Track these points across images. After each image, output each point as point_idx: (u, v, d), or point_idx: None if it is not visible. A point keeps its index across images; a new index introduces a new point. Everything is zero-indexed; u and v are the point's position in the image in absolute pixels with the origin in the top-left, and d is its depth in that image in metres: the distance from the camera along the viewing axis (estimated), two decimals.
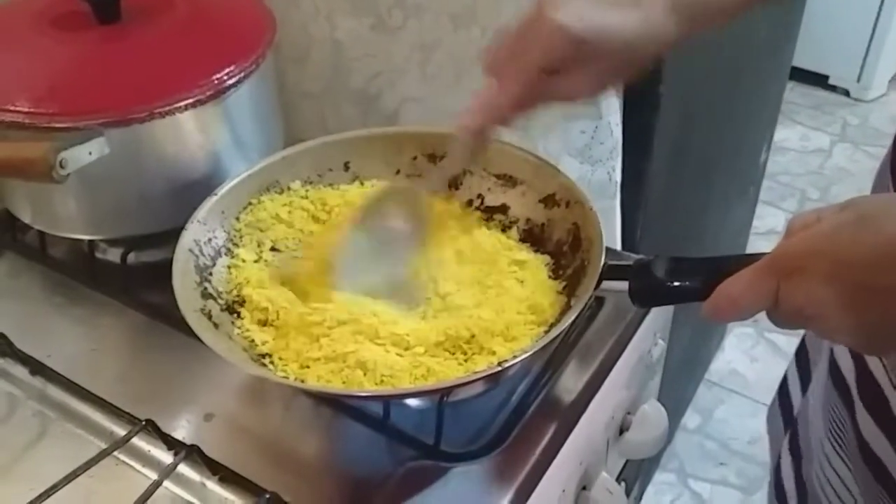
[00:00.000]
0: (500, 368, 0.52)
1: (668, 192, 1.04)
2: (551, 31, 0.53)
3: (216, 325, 0.60)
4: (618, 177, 0.89)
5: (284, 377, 0.57)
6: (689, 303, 0.53)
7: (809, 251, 0.44)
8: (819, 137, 2.63)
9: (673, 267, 0.54)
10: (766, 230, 2.24)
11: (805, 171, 2.49)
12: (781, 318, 0.47)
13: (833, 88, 2.79)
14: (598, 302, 0.70)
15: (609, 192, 0.90)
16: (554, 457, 0.59)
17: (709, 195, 1.28)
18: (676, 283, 0.53)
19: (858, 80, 2.73)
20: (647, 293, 0.55)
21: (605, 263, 0.58)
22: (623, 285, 0.55)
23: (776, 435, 0.83)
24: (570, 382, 0.64)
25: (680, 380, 1.57)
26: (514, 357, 0.53)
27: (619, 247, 0.93)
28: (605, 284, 0.57)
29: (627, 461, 0.76)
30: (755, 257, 0.48)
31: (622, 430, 0.70)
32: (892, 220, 0.42)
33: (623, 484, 0.77)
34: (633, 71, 0.57)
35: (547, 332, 0.57)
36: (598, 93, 0.59)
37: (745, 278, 0.47)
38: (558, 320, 0.59)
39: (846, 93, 2.78)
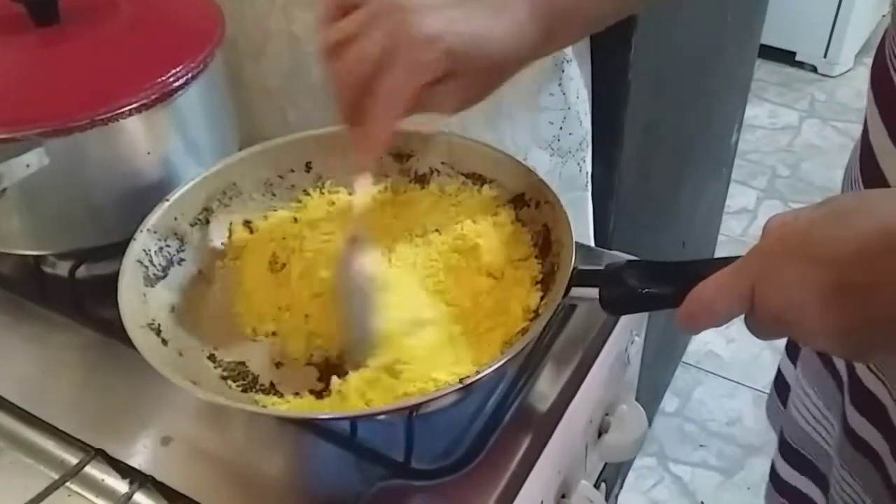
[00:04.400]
0: (461, 385, 0.49)
1: (640, 179, 1.02)
2: (422, 46, 0.49)
3: (165, 342, 0.57)
4: (588, 168, 0.87)
5: (238, 400, 0.54)
6: (662, 310, 0.51)
7: (783, 251, 0.42)
8: (787, 114, 2.63)
9: (645, 272, 0.52)
10: (737, 209, 2.24)
11: (774, 149, 2.49)
12: (758, 323, 0.45)
13: (800, 65, 2.79)
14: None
15: (580, 183, 0.87)
16: (531, 468, 0.56)
17: (681, 179, 1.26)
18: (649, 290, 0.51)
19: (825, 55, 2.73)
20: (618, 301, 0.53)
21: (574, 269, 0.55)
22: (593, 292, 0.53)
23: (777, 423, 0.82)
24: (545, 387, 0.61)
25: (658, 364, 1.55)
26: (478, 373, 0.50)
27: (591, 239, 0.91)
28: (575, 292, 0.54)
29: (607, 463, 0.73)
30: (730, 260, 0.46)
31: (600, 433, 0.68)
32: (867, 214, 0.40)
33: (603, 485, 0.75)
34: (498, 82, 0.54)
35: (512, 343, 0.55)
36: (463, 107, 0.55)
37: (719, 282, 0.45)
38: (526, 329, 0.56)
39: (813, 69, 2.78)
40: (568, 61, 0.80)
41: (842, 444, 0.63)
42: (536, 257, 0.63)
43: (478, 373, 0.50)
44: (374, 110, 0.52)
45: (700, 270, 0.47)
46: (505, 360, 0.51)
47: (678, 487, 1.66)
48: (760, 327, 0.45)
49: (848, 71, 2.77)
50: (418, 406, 0.54)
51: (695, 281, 0.46)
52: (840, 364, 0.64)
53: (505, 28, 0.51)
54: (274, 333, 0.61)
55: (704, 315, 0.45)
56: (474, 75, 0.52)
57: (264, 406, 0.55)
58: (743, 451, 1.71)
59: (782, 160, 2.45)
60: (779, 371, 0.81)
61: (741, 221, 2.23)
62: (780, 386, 0.80)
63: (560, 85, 0.81)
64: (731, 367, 1.85)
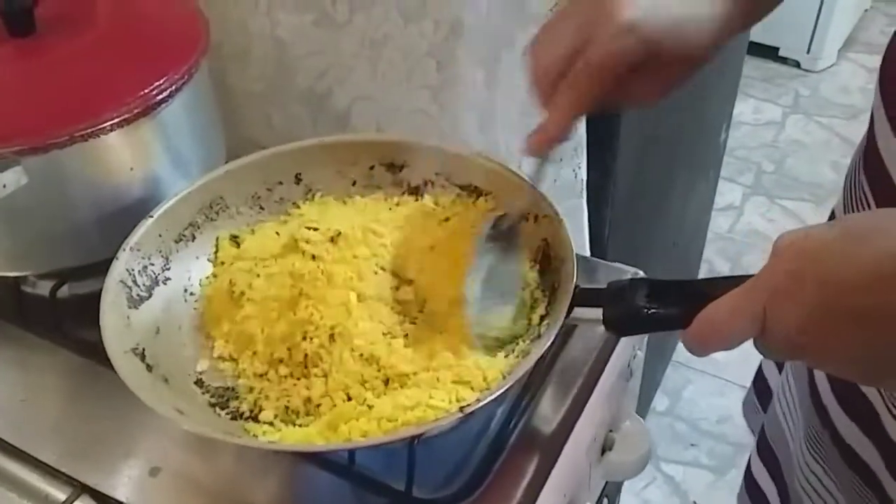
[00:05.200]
0: (461, 414, 0.48)
1: (634, 184, 1.00)
2: (618, 33, 0.47)
3: (150, 367, 0.54)
4: (583, 174, 0.85)
5: (227, 429, 0.51)
6: (668, 331, 0.49)
7: (795, 272, 0.41)
8: (771, 110, 2.63)
9: (650, 291, 0.50)
10: (724, 206, 2.23)
11: (759, 145, 2.48)
12: (770, 345, 0.43)
13: (784, 60, 2.78)
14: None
15: (575, 190, 0.85)
16: (538, 495, 0.54)
17: (673, 180, 1.25)
18: (654, 310, 0.49)
19: (808, 50, 2.73)
20: (622, 321, 0.51)
21: (576, 287, 0.53)
22: (596, 312, 0.51)
23: (757, 427, 0.80)
24: (549, 408, 0.59)
25: (649, 364, 1.54)
26: (479, 400, 0.48)
27: (587, 247, 0.89)
28: (577, 312, 0.53)
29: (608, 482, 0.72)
30: (739, 280, 0.44)
31: (603, 450, 0.66)
32: (883, 235, 0.39)
33: (605, 501, 0.73)
34: (701, 64, 0.52)
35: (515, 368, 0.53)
36: (666, 94, 0.53)
37: (729, 303, 0.43)
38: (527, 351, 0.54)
39: (797, 64, 2.78)
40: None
41: (809, 420, 0.62)
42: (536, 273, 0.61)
43: (478, 400, 0.48)
44: (560, 94, 0.50)
45: (709, 290, 0.45)
46: (508, 385, 0.49)
47: (670, 487, 1.65)
48: (772, 350, 0.44)
49: (831, 66, 2.76)
50: (419, 436, 0.52)
51: (703, 301, 0.44)
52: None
53: (699, 12, 0.49)
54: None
55: (715, 338, 0.44)
56: (677, 61, 0.50)
57: (255, 436, 0.53)
58: (734, 450, 1.70)
59: (767, 156, 2.44)
60: (760, 373, 0.80)
61: (728, 218, 2.22)
62: (761, 389, 0.79)
63: None
64: (720, 365, 1.84)
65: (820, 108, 2.62)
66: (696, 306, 0.44)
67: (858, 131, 2.40)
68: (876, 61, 0.56)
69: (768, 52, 2.75)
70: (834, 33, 2.67)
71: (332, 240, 0.62)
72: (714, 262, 2.08)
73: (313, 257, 0.61)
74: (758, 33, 2.53)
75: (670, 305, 0.48)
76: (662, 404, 1.79)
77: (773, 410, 0.73)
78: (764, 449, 0.75)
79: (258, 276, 0.61)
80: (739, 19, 0.51)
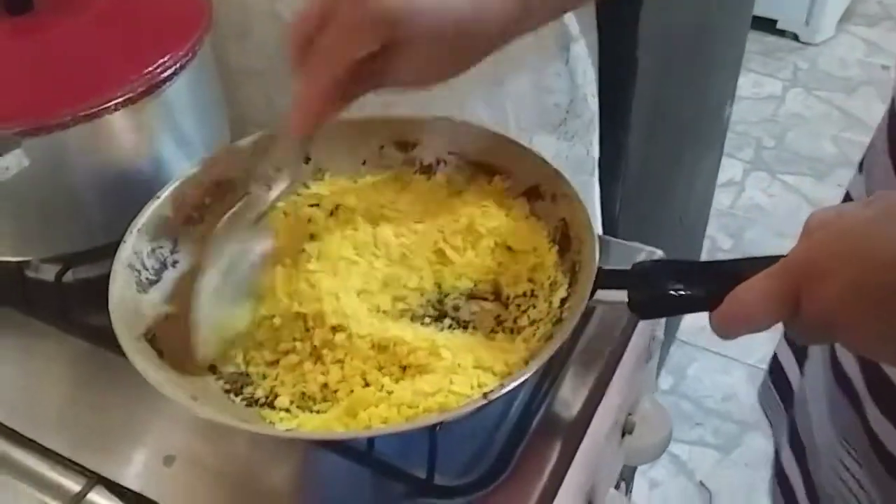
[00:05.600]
0: (485, 401, 0.46)
1: (644, 160, 0.98)
2: (363, 14, 0.46)
3: (161, 353, 0.53)
4: (595, 152, 0.83)
5: (242, 416, 0.50)
6: (695, 312, 0.48)
7: (834, 252, 0.39)
8: (771, 83, 2.61)
9: (676, 272, 0.49)
10: (725, 181, 2.22)
11: (759, 119, 2.47)
12: (804, 329, 0.42)
13: (782, 33, 2.76)
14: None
15: (587, 167, 0.84)
16: (562, 480, 0.53)
17: (680, 156, 1.24)
18: (681, 292, 0.48)
19: (807, 23, 2.70)
20: (648, 303, 0.49)
21: (599, 269, 0.52)
22: (621, 294, 0.50)
23: (776, 418, 0.79)
24: (571, 392, 0.58)
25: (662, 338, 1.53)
26: (503, 386, 0.47)
27: (599, 225, 0.87)
28: (600, 294, 0.51)
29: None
30: (769, 260, 0.43)
31: (623, 434, 0.64)
32: None
33: (623, 485, 0.72)
34: (466, 59, 0.52)
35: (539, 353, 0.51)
36: (434, 79, 0.52)
37: (760, 285, 0.42)
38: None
39: (795, 37, 2.75)
40: (574, 40, 0.76)
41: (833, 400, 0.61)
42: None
43: (502, 386, 0.47)
44: (308, 70, 0.49)
45: (737, 271, 0.44)
46: (532, 370, 0.48)
47: (676, 466, 1.65)
48: (805, 333, 0.43)
49: (830, 39, 2.74)
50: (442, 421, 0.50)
51: (731, 283, 0.43)
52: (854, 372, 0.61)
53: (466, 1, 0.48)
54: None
55: (744, 320, 0.43)
56: (431, 46, 0.49)
57: (271, 423, 0.51)
58: (739, 428, 1.70)
59: (767, 131, 2.42)
60: (776, 361, 0.78)
61: (729, 194, 2.21)
62: (780, 381, 0.78)
63: (567, 65, 0.77)
64: (724, 342, 1.83)
65: (819, 81, 2.61)
66: (725, 288, 0.43)
67: (858, 105, 2.40)
68: (874, 34, 0.54)
69: (767, 25, 2.72)
70: (832, 5, 2.65)
71: (331, 213, 0.61)
72: (717, 239, 2.07)
73: (311, 237, 0.59)
74: (757, 6, 2.50)
75: (697, 287, 0.47)
76: (667, 383, 1.78)
77: (803, 404, 0.71)
78: (794, 442, 0.74)
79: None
80: (515, 19, 0.50)
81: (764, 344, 0.79)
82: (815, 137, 2.38)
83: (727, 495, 1.59)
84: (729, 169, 2.26)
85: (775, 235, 2.08)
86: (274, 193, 0.57)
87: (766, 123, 2.45)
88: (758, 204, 2.19)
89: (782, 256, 0.43)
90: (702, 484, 1.62)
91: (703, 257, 1.82)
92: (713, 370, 1.80)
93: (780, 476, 0.75)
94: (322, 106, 0.51)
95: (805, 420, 0.70)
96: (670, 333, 1.77)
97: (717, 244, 2.06)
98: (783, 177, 2.27)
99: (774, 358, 0.79)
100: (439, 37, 0.48)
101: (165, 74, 0.60)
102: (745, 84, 2.57)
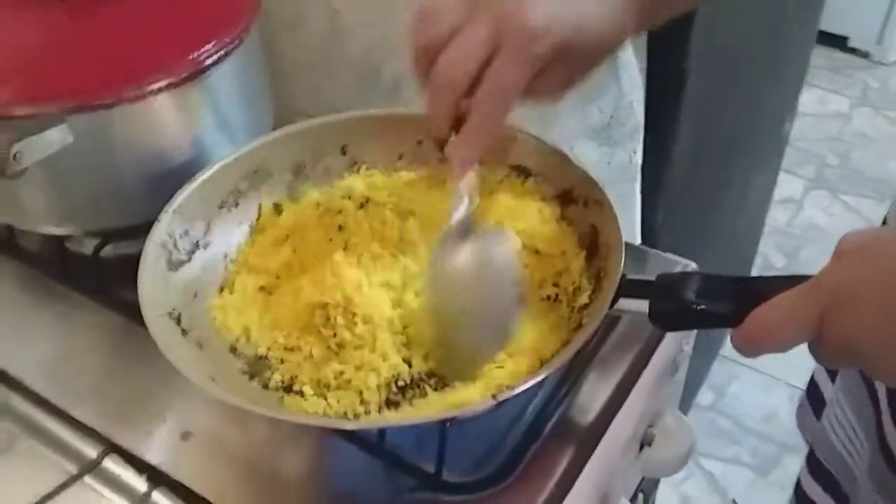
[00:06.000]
0: (494, 402, 0.46)
1: (690, 171, 0.97)
2: (532, 38, 0.47)
3: (185, 332, 0.54)
4: (639, 159, 0.83)
5: (258, 399, 0.51)
6: (717, 328, 0.47)
7: (862, 277, 0.39)
8: (838, 101, 2.55)
9: (701, 287, 0.48)
10: (783, 198, 2.17)
11: (824, 137, 2.41)
12: (826, 353, 0.41)
13: (853, 51, 2.69)
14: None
15: (629, 174, 0.83)
16: (570, 487, 0.52)
17: (731, 170, 1.21)
18: (704, 307, 0.47)
19: (879, 41, 2.63)
20: (669, 316, 0.49)
21: (623, 278, 0.51)
22: (643, 305, 0.49)
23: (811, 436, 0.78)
24: (589, 398, 0.58)
25: (695, 357, 1.51)
26: (512, 389, 0.47)
27: (637, 234, 0.86)
28: (622, 303, 0.51)
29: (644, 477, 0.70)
30: (797, 280, 0.42)
31: (642, 446, 0.64)
32: None
33: (641, 496, 0.72)
34: (598, 63, 0.53)
35: (554, 357, 0.51)
36: (565, 92, 0.53)
37: (785, 304, 0.41)
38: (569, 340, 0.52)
39: (866, 55, 2.68)
40: (622, 46, 0.76)
41: (874, 462, 0.59)
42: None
43: (512, 388, 0.47)
44: (481, 109, 0.49)
45: (763, 289, 0.43)
46: (545, 374, 0.48)
47: (709, 483, 1.62)
48: (828, 357, 0.42)
49: None
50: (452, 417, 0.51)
51: (757, 300, 0.43)
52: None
53: (603, 12, 0.49)
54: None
55: (767, 340, 0.42)
56: (577, 60, 0.50)
57: (287, 407, 0.52)
58: (778, 449, 1.66)
59: (831, 149, 2.37)
60: (813, 381, 0.77)
61: (786, 211, 2.16)
62: (814, 398, 0.76)
63: (614, 70, 0.77)
64: (768, 361, 1.79)
65: (889, 101, 2.54)
66: (749, 305, 0.43)
67: None
68: None
69: (837, 42, 2.66)
70: None
71: (361, 206, 0.62)
72: (770, 257, 2.03)
73: (340, 228, 0.60)
74: (827, 22, 2.44)
75: (721, 302, 0.46)
76: (707, 399, 1.75)
77: (823, 426, 0.70)
78: (815, 464, 0.72)
79: (290, 248, 0.60)
80: (635, 22, 0.51)
81: (809, 365, 0.77)
82: (881, 158, 2.32)
83: None
84: (788, 186, 2.21)
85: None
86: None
87: (831, 142, 2.40)
88: (816, 223, 2.15)
89: (810, 276, 0.42)
90: (734, 503, 1.59)
91: (755, 274, 1.79)
92: (755, 389, 1.77)
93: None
94: (491, 142, 0.52)
95: (831, 422, 0.68)
96: (713, 349, 1.74)
97: (770, 262, 2.02)
98: (844, 197, 2.22)
99: (812, 381, 0.78)
100: (587, 52, 0.50)
101: (210, 61, 0.61)
102: (810, 100, 2.51)
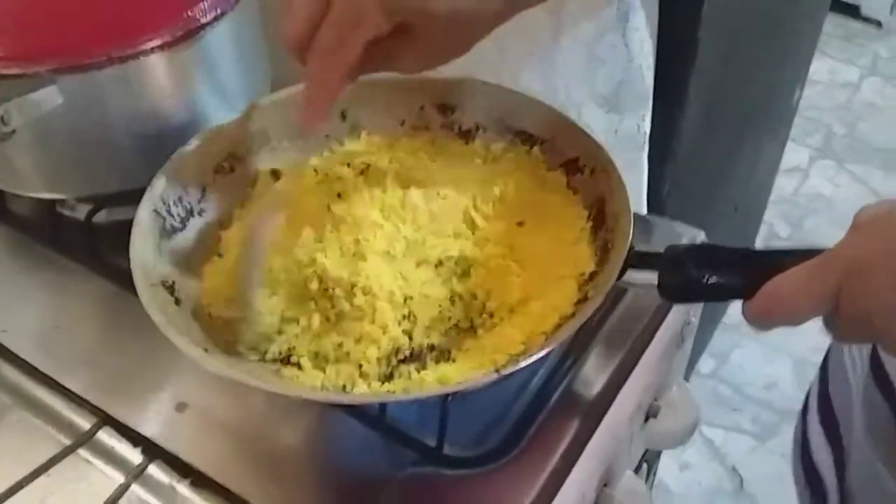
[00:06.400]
0: (497, 376, 0.45)
1: (699, 140, 0.95)
2: (371, 8, 0.46)
3: (178, 301, 0.52)
4: (647, 127, 0.80)
5: (252, 371, 0.49)
6: (728, 301, 0.46)
7: (880, 248, 0.37)
8: (848, 70, 2.51)
9: (711, 259, 0.46)
10: (788, 168, 2.14)
11: (832, 106, 2.38)
12: (842, 327, 0.40)
13: (865, 19, 2.65)
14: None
15: (637, 143, 0.81)
16: (575, 460, 0.51)
17: (741, 139, 1.19)
18: (715, 279, 0.45)
19: (891, 11, 2.59)
20: (678, 288, 0.47)
21: (631, 249, 0.49)
22: (651, 277, 0.48)
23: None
24: (594, 370, 0.56)
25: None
26: (517, 362, 0.45)
27: (644, 203, 0.85)
28: (630, 275, 0.49)
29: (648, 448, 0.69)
30: (812, 252, 0.41)
31: (647, 418, 0.63)
32: None
33: (645, 466, 0.71)
34: (463, 45, 0.51)
35: (557, 329, 0.49)
36: (432, 65, 0.53)
37: (799, 276, 0.40)
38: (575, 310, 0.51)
39: (878, 24, 2.64)
40: (634, 10, 0.73)
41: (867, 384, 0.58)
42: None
43: (516, 361, 0.45)
44: (311, 69, 0.49)
45: (776, 261, 0.42)
46: (549, 348, 0.46)
47: (709, 451, 1.62)
48: (843, 331, 0.40)
49: None
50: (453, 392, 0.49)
51: (769, 273, 0.41)
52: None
53: None
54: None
55: (780, 313, 0.41)
56: (433, 35, 0.49)
57: (284, 379, 0.51)
58: (778, 417, 1.66)
59: (839, 118, 2.34)
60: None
61: (792, 181, 2.14)
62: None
63: (623, 36, 0.74)
64: (771, 331, 1.79)
65: None
66: (761, 278, 0.41)
67: None
68: None
69: (850, 10, 2.62)
70: None
71: (361, 172, 0.60)
72: (775, 226, 2.01)
73: (339, 195, 0.58)
74: None
75: (732, 275, 0.45)
76: (708, 366, 1.75)
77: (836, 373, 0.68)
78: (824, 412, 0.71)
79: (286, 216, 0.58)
80: (504, 5, 0.50)
81: (811, 335, 0.75)
82: (889, 129, 2.29)
83: (759, 484, 1.55)
84: (794, 155, 2.18)
85: (836, 227, 2.00)
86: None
87: (839, 111, 2.37)
88: (821, 193, 2.12)
89: (825, 249, 0.40)
90: (734, 470, 1.59)
91: (759, 244, 1.77)
92: (757, 357, 1.76)
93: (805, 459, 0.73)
94: (331, 100, 0.51)
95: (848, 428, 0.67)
96: (716, 317, 1.74)
97: (775, 231, 2.00)
98: (851, 167, 2.19)
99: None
100: (445, 28, 0.49)
101: (205, 20, 0.59)
102: (821, 69, 2.48)
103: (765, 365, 1.74)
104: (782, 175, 2.07)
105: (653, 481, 0.79)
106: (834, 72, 2.49)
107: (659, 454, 0.78)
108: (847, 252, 0.39)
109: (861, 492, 0.61)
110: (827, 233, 2.00)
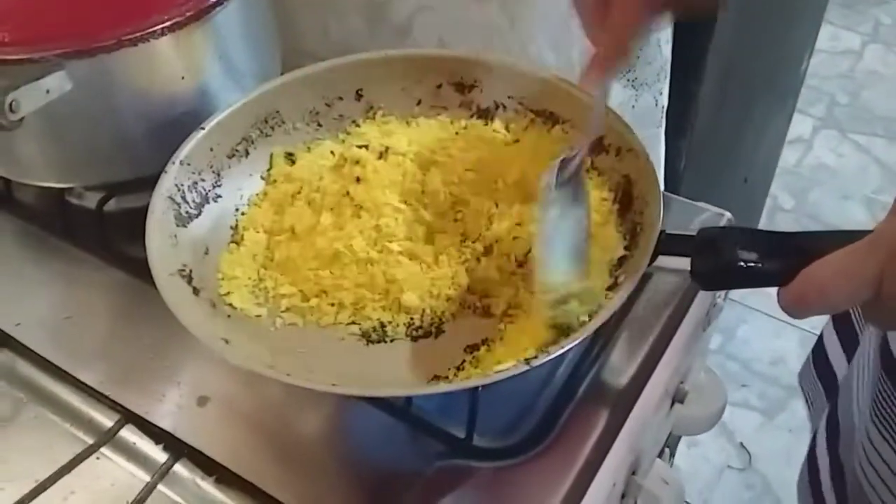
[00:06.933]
0: (527, 367, 0.44)
1: (715, 115, 0.93)
2: None
3: (196, 291, 0.51)
4: (664, 101, 0.79)
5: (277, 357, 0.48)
6: (764, 287, 0.44)
7: None
8: (850, 38, 2.48)
9: (747, 242, 0.44)
10: (793, 138, 2.12)
11: (835, 75, 2.35)
12: (884, 314, 0.38)
13: None
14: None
15: (655, 119, 0.79)
16: (608, 449, 0.50)
17: (751, 111, 1.17)
18: (751, 264, 0.43)
19: None
20: (713, 275, 0.46)
21: (662, 232, 0.48)
22: (683, 262, 0.46)
23: (816, 401, 0.75)
24: (622, 359, 0.55)
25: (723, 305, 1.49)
26: (548, 354, 0.44)
27: (661, 181, 0.83)
28: (661, 260, 0.48)
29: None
30: (852, 236, 0.39)
31: (673, 402, 0.61)
32: None
33: (667, 451, 0.70)
34: None
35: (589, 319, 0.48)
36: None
37: (839, 261, 0.38)
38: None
39: None
40: None
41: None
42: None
43: (547, 353, 0.44)
44: (612, 16, 0.47)
45: (815, 245, 0.40)
46: (581, 338, 0.45)
47: (717, 427, 1.61)
48: (885, 318, 0.39)
49: None
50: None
51: (808, 257, 0.39)
52: None
53: None
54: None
55: (819, 300, 0.39)
56: None
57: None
58: (786, 393, 1.65)
59: (842, 87, 2.31)
60: (821, 348, 0.74)
61: (795, 151, 2.12)
62: (823, 369, 0.73)
63: None
64: (778, 306, 1.78)
65: None
66: (799, 263, 0.39)
67: None
68: None
69: None
70: None
71: (380, 155, 0.58)
72: (778, 198, 1.99)
73: (358, 179, 0.57)
74: None
75: (769, 260, 0.43)
76: (715, 342, 1.74)
77: (848, 391, 0.68)
78: (830, 427, 0.70)
79: (304, 200, 0.57)
80: None
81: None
82: (892, 97, 2.26)
83: (767, 460, 1.55)
84: (798, 125, 2.15)
85: (840, 198, 2.00)
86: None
87: (842, 79, 2.34)
88: (825, 163, 2.10)
89: (868, 232, 0.39)
90: (742, 446, 1.59)
91: (764, 216, 1.76)
92: (764, 333, 1.75)
93: (811, 463, 0.72)
94: (617, 59, 0.49)
95: (846, 408, 0.66)
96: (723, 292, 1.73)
97: (779, 203, 1.99)
98: (854, 136, 2.17)
99: (819, 343, 0.75)
100: None
101: None
102: (822, 36, 2.42)
103: (771, 340, 1.74)
104: (786, 146, 2.06)
105: (671, 464, 0.78)
106: (836, 39, 2.46)
107: (678, 439, 0.77)
108: (890, 235, 0.38)
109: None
110: (831, 204, 1.99)
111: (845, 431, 0.65)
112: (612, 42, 0.48)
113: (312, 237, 0.55)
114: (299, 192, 0.58)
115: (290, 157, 0.61)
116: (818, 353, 0.74)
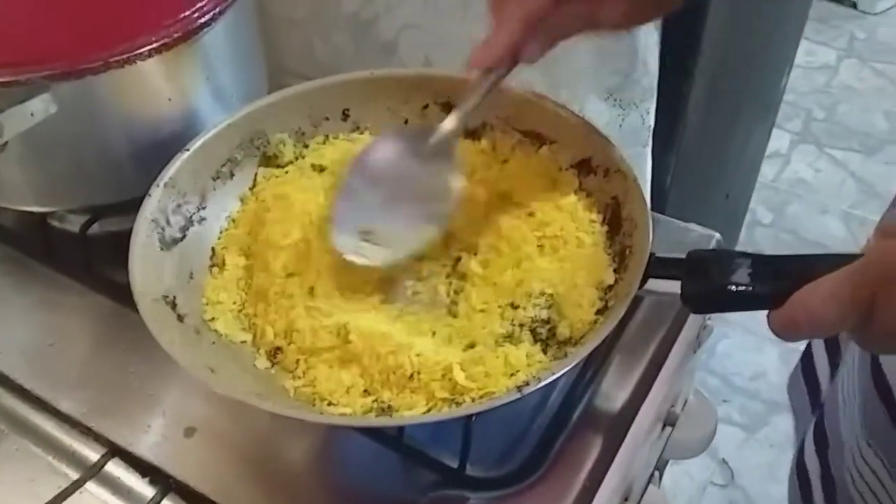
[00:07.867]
0: (520, 395, 0.43)
1: (699, 131, 0.93)
2: None
3: (181, 318, 0.50)
4: (651, 121, 0.78)
5: (263, 392, 0.47)
6: (755, 311, 0.44)
7: None
8: (825, 53, 2.51)
9: (737, 265, 0.44)
10: (770, 153, 2.13)
11: (811, 90, 2.37)
12: (874, 339, 0.38)
13: (840, 1, 2.65)
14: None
15: (642, 138, 0.79)
16: (602, 477, 0.50)
17: (734, 128, 1.18)
18: (742, 287, 0.43)
19: None
20: (704, 298, 0.45)
21: (651, 255, 0.48)
22: (674, 286, 0.46)
23: (802, 412, 0.75)
24: (614, 385, 0.55)
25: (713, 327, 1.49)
26: (539, 380, 0.43)
27: (648, 198, 0.83)
28: (650, 284, 0.47)
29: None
30: (844, 259, 0.39)
31: (664, 426, 0.61)
32: None
33: (657, 474, 0.69)
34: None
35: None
36: (638, 22, 0.51)
37: (830, 285, 0.38)
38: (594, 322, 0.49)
39: (853, 5, 2.64)
40: None
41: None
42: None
43: (539, 380, 0.43)
44: (499, 12, 0.47)
45: (804, 269, 0.40)
46: (572, 364, 0.44)
47: None
48: (875, 342, 0.39)
49: (890, 8, 2.63)
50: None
51: (799, 281, 0.39)
52: None
53: None
54: None
55: (809, 324, 0.39)
56: None
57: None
58: (767, 408, 1.66)
59: (818, 102, 2.34)
60: (809, 357, 0.74)
61: (773, 166, 2.14)
62: (810, 378, 0.73)
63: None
64: (758, 320, 1.77)
65: (876, 52, 2.50)
66: (790, 286, 0.39)
67: None
68: None
69: None
70: None
71: None
72: (757, 212, 2.01)
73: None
74: None
75: (760, 283, 0.43)
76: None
77: (833, 402, 0.68)
78: (819, 437, 0.70)
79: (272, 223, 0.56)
80: None
81: None
82: (867, 111, 2.29)
83: (749, 475, 1.55)
84: (775, 140, 2.16)
85: (818, 212, 2.01)
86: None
87: (818, 94, 2.36)
88: (802, 178, 2.12)
89: (859, 256, 0.39)
90: (724, 462, 1.59)
91: (742, 232, 1.76)
92: (744, 348, 1.75)
93: (799, 468, 0.72)
94: (508, 45, 0.48)
95: (833, 417, 0.66)
96: None
97: (757, 218, 2.00)
98: (831, 151, 2.19)
99: (808, 352, 0.75)
100: None
101: (203, 20, 0.56)
102: (798, 52, 2.45)
103: (752, 355, 1.74)
104: (763, 161, 2.08)
105: (659, 486, 0.78)
106: (811, 54, 2.49)
107: (666, 462, 0.77)
108: (883, 259, 0.38)
109: None
110: (809, 218, 2.01)
111: (834, 449, 0.65)
112: (511, 27, 0.48)
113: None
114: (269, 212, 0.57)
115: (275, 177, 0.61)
116: (807, 363, 0.74)
